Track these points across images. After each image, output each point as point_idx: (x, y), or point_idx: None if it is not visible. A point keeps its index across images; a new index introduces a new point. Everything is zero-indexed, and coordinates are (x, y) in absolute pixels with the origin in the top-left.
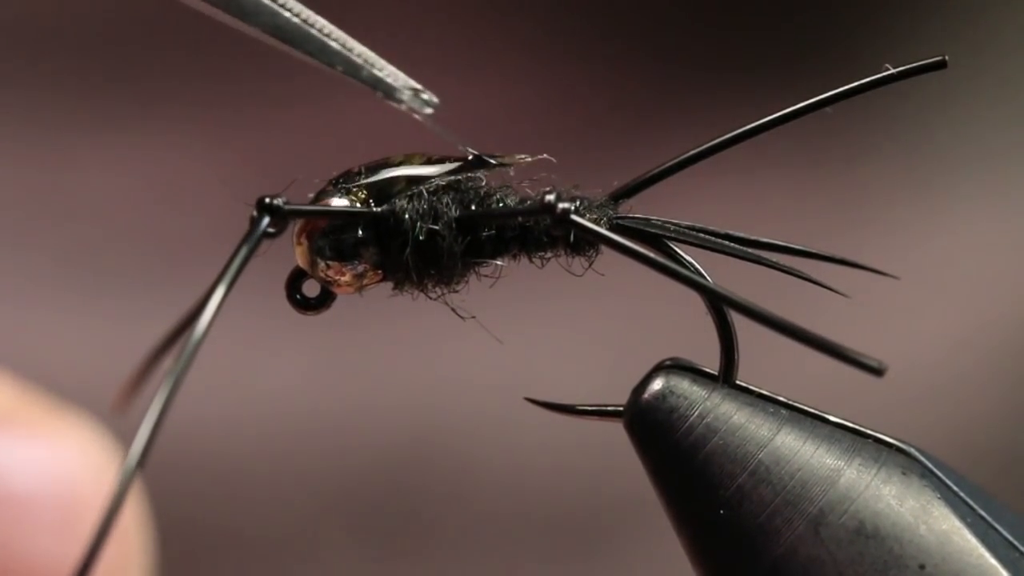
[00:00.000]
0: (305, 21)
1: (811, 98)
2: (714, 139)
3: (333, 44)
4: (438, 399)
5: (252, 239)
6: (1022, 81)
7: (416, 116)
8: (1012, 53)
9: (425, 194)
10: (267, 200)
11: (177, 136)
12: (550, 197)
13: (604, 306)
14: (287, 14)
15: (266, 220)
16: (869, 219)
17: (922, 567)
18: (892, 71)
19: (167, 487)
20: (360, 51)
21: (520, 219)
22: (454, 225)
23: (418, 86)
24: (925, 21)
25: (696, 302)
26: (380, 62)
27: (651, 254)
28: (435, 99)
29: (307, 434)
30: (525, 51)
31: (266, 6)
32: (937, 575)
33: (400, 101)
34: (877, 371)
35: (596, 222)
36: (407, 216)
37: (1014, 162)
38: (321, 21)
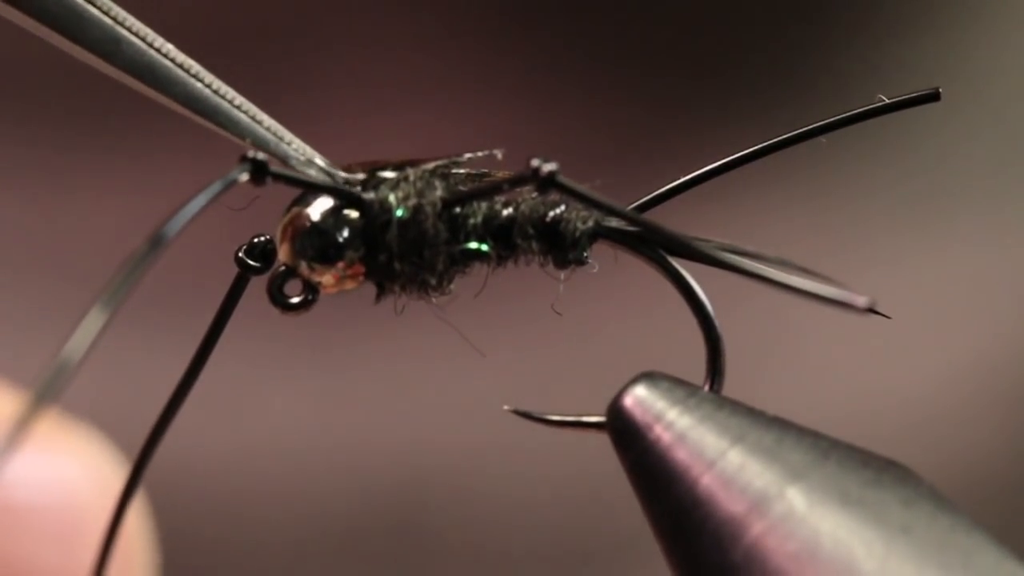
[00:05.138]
0: (216, 92)
1: (805, 127)
2: (707, 166)
3: (243, 116)
4: (430, 434)
5: (223, 182)
6: (1016, 113)
7: None
8: (1005, 86)
9: (412, 177)
10: (250, 154)
11: (176, 162)
12: (535, 161)
13: (592, 321)
14: (199, 84)
15: (245, 176)
16: (862, 250)
17: (907, 531)
18: (886, 101)
19: (161, 523)
20: (269, 124)
21: (508, 212)
22: (438, 205)
23: (324, 164)
24: (918, 55)
25: (686, 319)
26: (288, 135)
27: (631, 213)
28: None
29: (301, 471)
30: (521, 76)
31: (180, 76)
32: (920, 542)
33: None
34: (864, 310)
35: (584, 221)
36: (392, 196)
37: (1008, 194)
38: (232, 92)
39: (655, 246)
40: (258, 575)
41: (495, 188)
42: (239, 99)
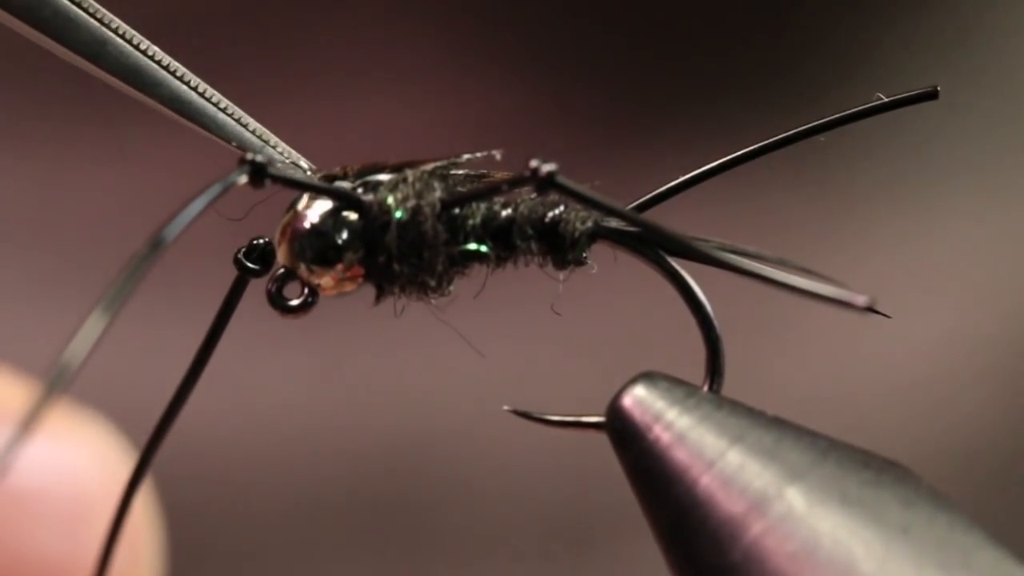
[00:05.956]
0: (202, 94)
1: (805, 124)
2: (705, 166)
3: (228, 119)
4: (427, 411)
5: (223, 184)
6: (1009, 93)
7: None
8: (1002, 65)
9: (411, 178)
10: (249, 156)
11: (179, 136)
12: (534, 162)
13: (590, 320)
14: (184, 86)
15: (244, 178)
16: (856, 227)
17: (906, 531)
18: (884, 100)
19: (162, 500)
20: (255, 127)
21: (510, 213)
22: (437, 206)
23: (309, 166)
24: (913, 29)
25: (685, 319)
26: (274, 139)
27: (630, 213)
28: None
29: (300, 447)
30: (510, 65)
31: (165, 77)
32: (920, 542)
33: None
34: (864, 309)
35: (583, 221)
36: (390, 197)
37: (1001, 171)
38: (217, 95)
39: (654, 246)
40: (255, 547)
41: (494, 189)
42: (224, 102)
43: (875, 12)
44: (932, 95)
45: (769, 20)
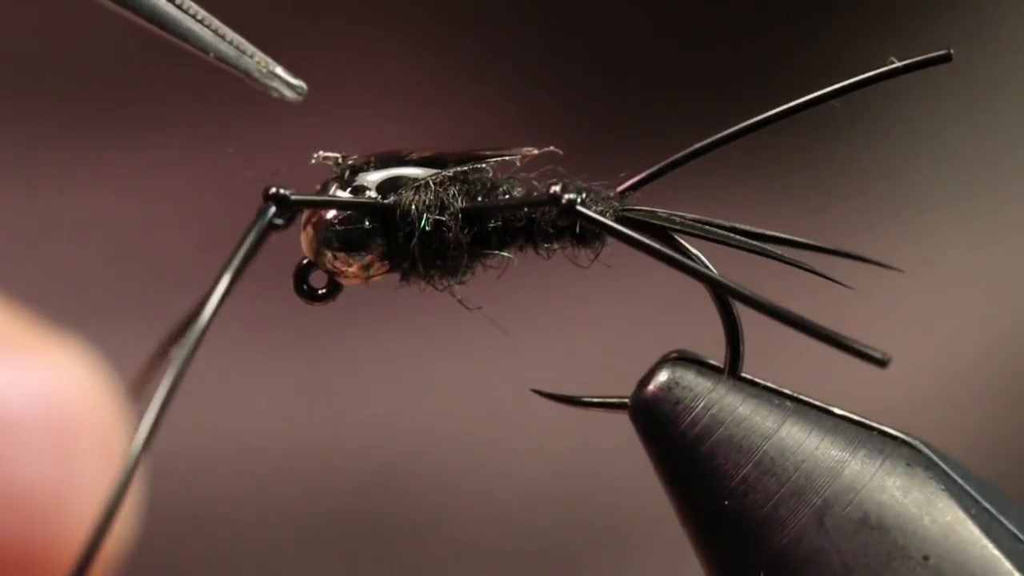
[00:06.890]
0: (179, 7)
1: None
2: (718, 134)
3: (205, 31)
4: (412, 427)
5: (258, 227)
6: (998, 112)
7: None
8: (988, 85)
9: (432, 185)
10: (273, 190)
11: (162, 158)
12: (555, 188)
13: (608, 303)
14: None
15: (272, 210)
16: (861, 239)
17: (926, 558)
18: (897, 64)
19: (152, 517)
20: (232, 37)
21: (526, 210)
22: (460, 216)
23: (286, 75)
24: (906, 45)
25: (702, 296)
26: (251, 48)
27: (656, 244)
28: (304, 86)
29: (290, 465)
30: (513, 64)
31: None
32: (941, 565)
33: (270, 87)
34: (881, 362)
35: (602, 214)
36: (413, 208)
37: (989, 193)
38: (195, 7)
39: (673, 238)
40: (245, 566)
41: (516, 205)
42: (201, 13)
43: (881, 12)
44: (946, 58)
45: (773, 19)
